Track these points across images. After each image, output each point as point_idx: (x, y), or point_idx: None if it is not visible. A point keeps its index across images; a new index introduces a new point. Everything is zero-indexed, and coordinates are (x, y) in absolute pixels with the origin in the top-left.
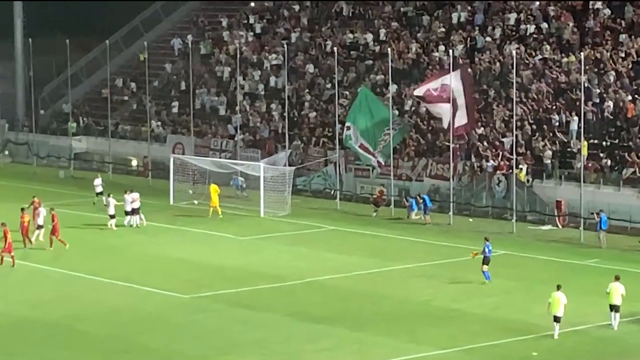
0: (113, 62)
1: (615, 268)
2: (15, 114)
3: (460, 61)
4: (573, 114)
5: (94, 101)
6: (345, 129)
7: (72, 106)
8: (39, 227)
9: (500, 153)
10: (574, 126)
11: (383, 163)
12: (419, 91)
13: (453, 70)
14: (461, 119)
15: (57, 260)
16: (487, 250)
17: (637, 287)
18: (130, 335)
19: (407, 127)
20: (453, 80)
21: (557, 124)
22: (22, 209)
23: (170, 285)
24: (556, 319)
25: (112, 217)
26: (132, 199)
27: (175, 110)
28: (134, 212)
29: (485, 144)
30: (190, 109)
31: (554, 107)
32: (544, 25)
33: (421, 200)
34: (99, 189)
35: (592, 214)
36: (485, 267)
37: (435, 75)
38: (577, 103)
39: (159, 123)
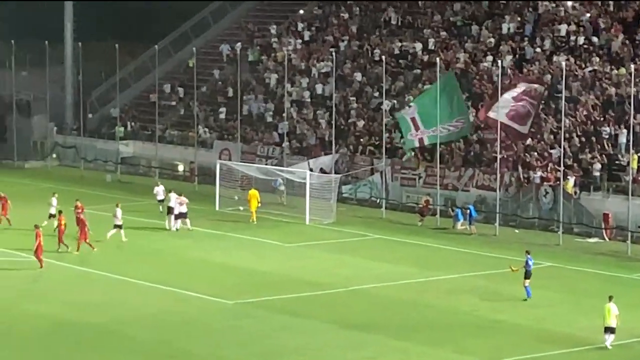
0: (161, 68)
1: None
2: (63, 117)
3: (509, 72)
4: (622, 126)
5: (141, 106)
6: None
7: (120, 110)
8: (117, 226)
9: (548, 164)
10: (622, 139)
11: (425, 143)
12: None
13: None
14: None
15: (103, 263)
16: (529, 264)
17: None
18: (175, 340)
19: (467, 130)
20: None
21: (606, 136)
22: (60, 212)
23: (214, 291)
24: (608, 330)
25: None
26: (181, 202)
27: (222, 116)
28: (181, 215)
29: (533, 155)
30: (238, 115)
31: (603, 120)
32: (594, 37)
33: (467, 211)
34: (160, 197)
35: (639, 227)
36: (526, 282)
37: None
38: (627, 116)
39: (206, 129)
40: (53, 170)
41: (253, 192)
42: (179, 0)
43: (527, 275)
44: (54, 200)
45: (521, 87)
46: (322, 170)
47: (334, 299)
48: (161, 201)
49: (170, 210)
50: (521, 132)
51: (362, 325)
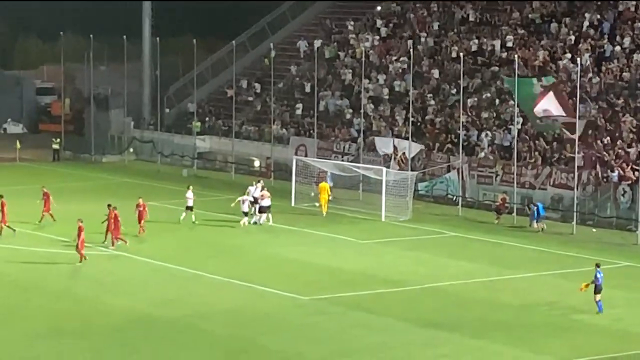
0: (238, 63)
1: None
2: (141, 112)
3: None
4: None
5: (218, 101)
6: None
7: (197, 106)
8: (189, 208)
9: (627, 163)
10: None
11: None
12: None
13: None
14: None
15: (179, 258)
16: (597, 277)
17: None
18: (251, 335)
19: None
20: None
21: None
22: (109, 205)
23: (289, 287)
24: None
25: (245, 214)
26: (263, 196)
27: (299, 112)
28: (263, 209)
29: (611, 153)
30: (314, 111)
31: None
32: None
33: (535, 208)
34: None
35: None
36: (597, 297)
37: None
38: None
39: (282, 125)
40: (130, 164)
41: (323, 185)
42: None
43: (597, 289)
44: (190, 193)
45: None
46: (403, 155)
47: (409, 297)
48: (190, 208)
49: (255, 201)
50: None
51: (437, 323)
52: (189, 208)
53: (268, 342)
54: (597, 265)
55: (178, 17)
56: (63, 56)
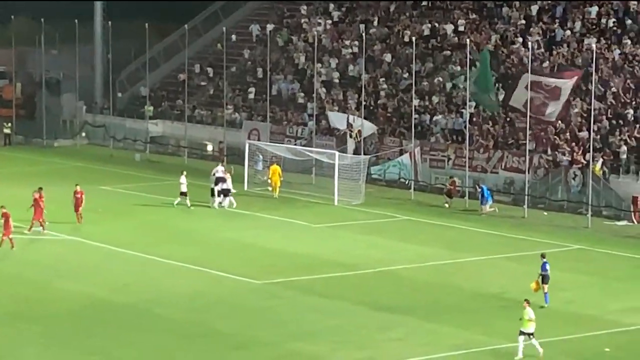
0: (191, 47)
1: None
2: (93, 96)
3: (540, 54)
4: None
5: (171, 85)
6: None
7: (150, 90)
8: (183, 194)
9: (577, 147)
10: None
11: None
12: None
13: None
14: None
15: (134, 243)
16: (545, 268)
17: None
18: (206, 319)
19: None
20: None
21: (636, 119)
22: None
23: (243, 271)
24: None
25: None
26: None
27: (251, 96)
28: (224, 192)
29: (562, 137)
30: (267, 96)
31: (633, 102)
32: (625, 19)
33: (479, 190)
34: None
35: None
36: (545, 287)
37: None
38: None
39: (235, 109)
40: (82, 149)
41: (275, 168)
42: None
43: (545, 280)
44: (183, 178)
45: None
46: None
47: (363, 280)
48: (184, 194)
49: (218, 180)
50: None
51: (391, 306)
52: (183, 194)
53: (223, 326)
54: (543, 256)
55: (130, 0)
56: (14, 40)
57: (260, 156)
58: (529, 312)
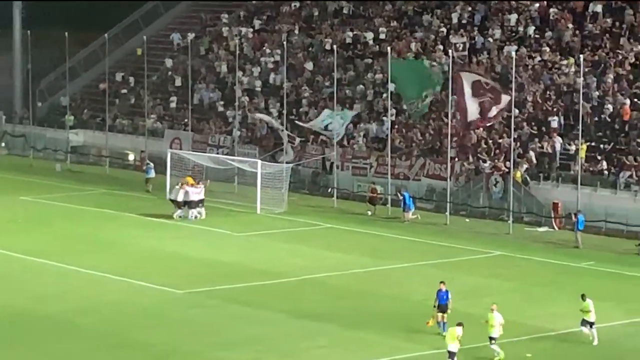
0: (112, 56)
1: (610, 271)
2: (12, 106)
3: (461, 61)
4: (571, 116)
5: (92, 95)
6: None
7: (70, 99)
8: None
9: (499, 154)
10: (572, 128)
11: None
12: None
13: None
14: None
15: (54, 253)
16: (441, 296)
17: (633, 290)
18: (128, 330)
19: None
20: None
21: (555, 126)
22: None
23: (166, 280)
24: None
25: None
26: (199, 190)
27: (173, 105)
28: (199, 203)
29: (483, 144)
30: (189, 104)
31: (553, 109)
32: (544, 27)
33: (401, 197)
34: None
35: (570, 214)
36: (441, 316)
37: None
38: (576, 106)
39: (157, 118)
40: (2, 159)
41: (189, 179)
42: None
43: (442, 308)
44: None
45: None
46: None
47: (286, 289)
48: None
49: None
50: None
51: (314, 314)
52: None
53: (146, 337)
54: (442, 283)
55: (50, 9)
56: None
57: (152, 164)
58: (495, 317)
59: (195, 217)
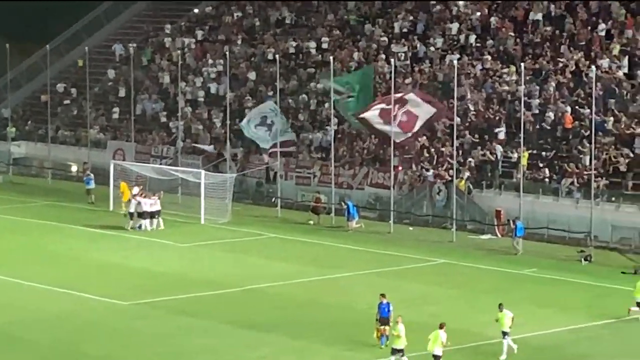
0: (54, 67)
1: (553, 277)
2: None
3: (403, 70)
4: (513, 124)
5: (33, 106)
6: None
7: (12, 111)
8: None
9: (441, 162)
10: (514, 136)
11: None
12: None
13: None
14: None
15: None
16: (382, 309)
17: (574, 296)
18: (72, 342)
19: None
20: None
21: (497, 133)
22: None
23: (110, 292)
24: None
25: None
26: (153, 201)
27: (116, 116)
28: (156, 214)
29: (426, 153)
30: (131, 115)
31: (495, 117)
32: (485, 35)
33: (345, 206)
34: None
35: (509, 221)
36: (384, 329)
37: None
38: (518, 113)
39: (99, 129)
40: None
41: (123, 185)
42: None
43: (383, 321)
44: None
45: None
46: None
47: (230, 299)
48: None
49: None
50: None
51: (258, 324)
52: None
53: (90, 349)
54: (382, 296)
55: None
56: None
57: (92, 175)
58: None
59: (143, 227)
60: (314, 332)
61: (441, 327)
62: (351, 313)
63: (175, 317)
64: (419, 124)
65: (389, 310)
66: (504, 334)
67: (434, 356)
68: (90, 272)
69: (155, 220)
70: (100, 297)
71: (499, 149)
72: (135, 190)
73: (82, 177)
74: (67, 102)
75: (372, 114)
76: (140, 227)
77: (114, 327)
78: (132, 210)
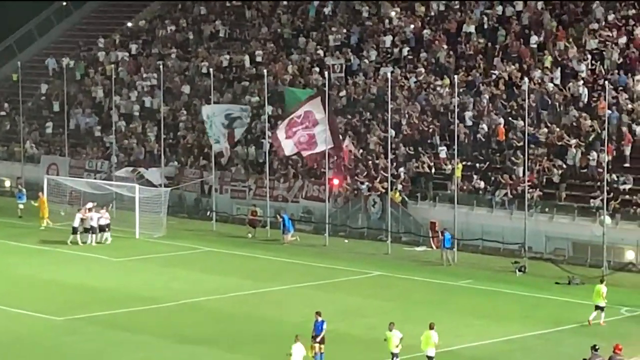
0: None
1: (488, 289)
2: None
3: (337, 83)
4: (447, 136)
5: None
6: None
7: None
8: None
9: (375, 174)
10: (448, 148)
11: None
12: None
13: (312, 99)
14: (327, 144)
15: None
16: (317, 326)
17: (509, 307)
18: (2, 358)
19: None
20: (315, 107)
21: (431, 145)
22: None
23: (43, 307)
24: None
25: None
26: (100, 215)
27: (49, 130)
28: (102, 228)
29: (360, 165)
30: (65, 129)
31: (429, 129)
32: (419, 48)
33: (280, 219)
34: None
35: (437, 232)
36: (318, 347)
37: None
38: (451, 125)
39: (33, 144)
40: None
41: (42, 200)
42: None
43: (318, 339)
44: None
45: (299, 112)
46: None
47: (166, 313)
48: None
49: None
50: (313, 153)
51: (194, 338)
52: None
53: None
54: (318, 314)
55: None
56: None
57: (24, 190)
58: (395, 335)
59: (89, 241)
60: (249, 346)
61: (431, 327)
62: (287, 326)
63: (109, 332)
64: (311, 151)
65: (322, 329)
66: (393, 355)
67: (428, 357)
68: (23, 287)
69: (105, 234)
70: (33, 313)
71: (433, 160)
72: (89, 205)
73: (15, 192)
74: (5, 111)
75: (284, 123)
76: (85, 242)
77: (46, 343)
78: (75, 224)
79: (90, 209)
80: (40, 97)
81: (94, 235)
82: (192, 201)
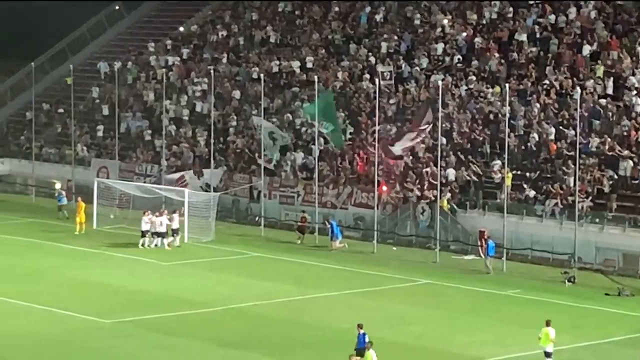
0: (39, 85)
1: (536, 299)
2: None
3: (387, 90)
4: (498, 144)
5: (18, 123)
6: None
7: None
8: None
9: (425, 182)
10: (498, 157)
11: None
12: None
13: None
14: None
15: None
16: (360, 340)
17: (558, 318)
18: None
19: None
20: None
21: (482, 154)
22: None
23: (91, 310)
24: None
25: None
26: (171, 219)
27: (100, 134)
28: (175, 232)
29: (410, 173)
30: (116, 133)
31: (480, 138)
32: (470, 56)
33: (328, 226)
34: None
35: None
36: None
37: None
38: (502, 134)
39: (84, 147)
40: None
41: (80, 204)
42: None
43: (358, 352)
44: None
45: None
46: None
47: (211, 318)
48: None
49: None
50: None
51: (238, 343)
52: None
53: None
54: (360, 327)
55: None
56: None
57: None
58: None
59: (159, 244)
60: (294, 351)
61: (547, 324)
62: (332, 332)
63: (155, 335)
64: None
65: (364, 342)
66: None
67: (546, 353)
68: (72, 289)
69: (177, 237)
70: (81, 315)
71: (483, 169)
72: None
73: (65, 194)
74: (51, 120)
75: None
76: (156, 245)
77: (94, 345)
78: (143, 228)
79: (161, 213)
80: (92, 100)
81: (158, 239)
82: (241, 206)
